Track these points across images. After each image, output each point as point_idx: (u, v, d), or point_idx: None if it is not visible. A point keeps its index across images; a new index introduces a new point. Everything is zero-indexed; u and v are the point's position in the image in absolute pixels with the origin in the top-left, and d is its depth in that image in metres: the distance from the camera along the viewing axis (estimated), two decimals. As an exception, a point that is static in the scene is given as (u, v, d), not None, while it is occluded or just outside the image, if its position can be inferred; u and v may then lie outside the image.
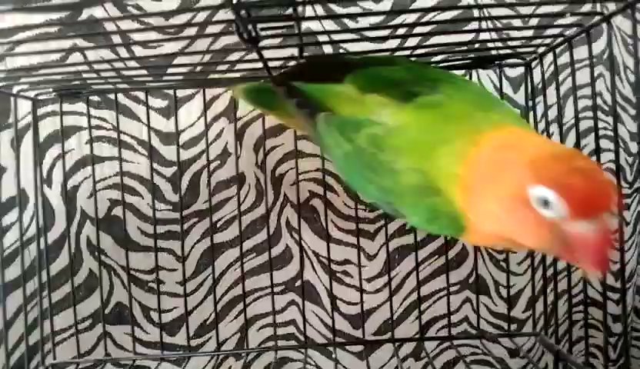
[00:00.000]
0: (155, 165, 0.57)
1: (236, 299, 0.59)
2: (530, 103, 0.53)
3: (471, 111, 0.36)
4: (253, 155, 0.59)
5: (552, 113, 0.52)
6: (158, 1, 0.55)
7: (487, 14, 0.58)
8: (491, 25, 0.59)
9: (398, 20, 0.58)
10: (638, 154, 0.65)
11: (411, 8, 0.60)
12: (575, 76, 0.45)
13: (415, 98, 0.38)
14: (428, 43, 0.55)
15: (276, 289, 0.59)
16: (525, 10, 0.58)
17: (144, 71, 0.51)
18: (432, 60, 0.51)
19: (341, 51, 0.58)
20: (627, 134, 0.64)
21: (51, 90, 0.52)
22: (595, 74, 0.44)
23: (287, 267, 0.60)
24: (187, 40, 0.55)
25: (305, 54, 0.42)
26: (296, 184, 0.57)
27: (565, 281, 0.50)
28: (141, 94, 0.56)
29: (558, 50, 0.48)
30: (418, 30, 0.56)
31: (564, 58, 0.50)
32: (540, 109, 0.53)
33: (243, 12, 0.28)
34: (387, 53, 0.50)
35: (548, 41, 0.47)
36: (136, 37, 0.54)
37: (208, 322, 0.59)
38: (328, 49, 0.58)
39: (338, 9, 0.57)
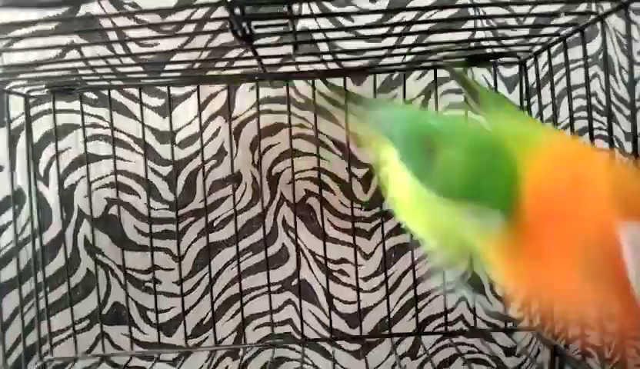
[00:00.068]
0: (151, 164, 0.57)
1: (233, 298, 0.60)
2: (525, 102, 0.54)
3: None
4: (249, 154, 0.59)
5: (547, 112, 0.52)
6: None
7: (482, 13, 0.59)
8: (486, 24, 0.59)
9: (394, 19, 0.58)
10: (632, 153, 0.65)
11: (407, 6, 0.60)
12: (569, 76, 0.46)
13: None
14: (423, 42, 0.56)
15: (272, 288, 0.59)
16: (520, 9, 0.58)
17: (139, 69, 0.52)
18: (429, 58, 0.51)
19: (336, 49, 0.58)
20: (622, 135, 0.64)
21: (43, 86, 0.52)
22: (591, 75, 0.44)
23: (283, 266, 0.60)
24: (182, 37, 0.55)
25: (300, 52, 0.42)
26: (292, 182, 0.57)
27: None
28: (137, 92, 0.56)
29: (553, 49, 0.48)
30: (413, 28, 0.56)
31: (559, 58, 0.50)
32: (534, 108, 0.53)
33: (237, 10, 0.28)
34: (383, 51, 0.50)
35: (543, 39, 0.47)
36: (132, 34, 0.54)
37: (204, 322, 0.59)
38: (323, 47, 0.58)
39: (333, 7, 0.57)
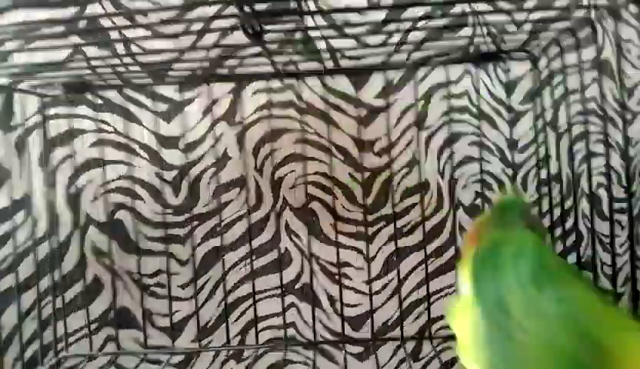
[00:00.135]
0: (155, 169, 0.58)
1: (237, 301, 0.60)
2: (539, 114, 0.54)
3: None
4: (252, 159, 0.60)
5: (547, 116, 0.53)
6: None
7: (482, 21, 0.60)
8: (485, 30, 0.60)
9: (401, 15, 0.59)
10: (630, 158, 0.66)
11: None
12: (565, 80, 0.46)
13: None
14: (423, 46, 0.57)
15: (276, 292, 0.60)
16: (518, 16, 0.59)
17: (150, 68, 0.52)
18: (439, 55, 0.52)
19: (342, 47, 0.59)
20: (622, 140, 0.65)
21: (55, 86, 0.53)
22: (591, 80, 0.45)
23: (286, 269, 0.61)
24: (192, 37, 0.56)
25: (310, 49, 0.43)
26: (304, 185, 0.57)
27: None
28: (142, 98, 0.57)
29: (552, 54, 0.49)
30: (421, 24, 0.57)
31: (558, 63, 0.51)
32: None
33: (247, 8, 0.29)
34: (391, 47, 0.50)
35: (544, 43, 0.48)
36: (139, 33, 0.55)
37: (209, 325, 0.60)
38: (340, 42, 0.59)
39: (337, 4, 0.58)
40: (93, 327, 0.58)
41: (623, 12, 0.46)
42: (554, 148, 0.57)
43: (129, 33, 0.51)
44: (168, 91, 0.58)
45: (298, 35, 0.38)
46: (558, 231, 0.58)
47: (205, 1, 0.43)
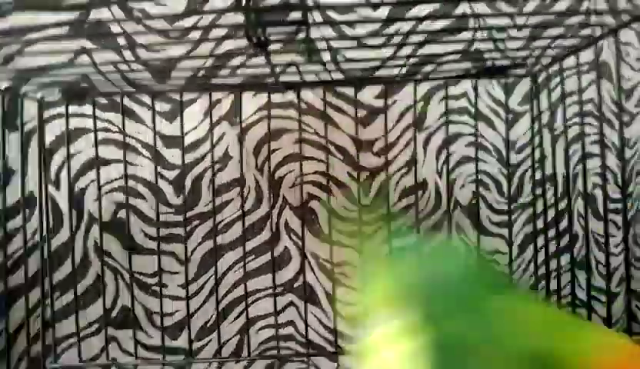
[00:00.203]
0: (158, 168, 0.58)
1: (236, 301, 0.60)
2: (536, 116, 0.55)
3: None
4: (253, 159, 0.60)
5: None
6: (163, 5, 0.57)
7: (493, 36, 0.60)
8: (495, 44, 0.61)
9: (393, 28, 0.60)
10: (626, 159, 0.66)
11: (408, 17, 0.61)
12: (563, 88, 0.47)
13: None
14: (427, 52, 0.57)
15: (275, 290, 0.60)
16: (523, 33, 0.60)
17: (149, 74, 0.53)
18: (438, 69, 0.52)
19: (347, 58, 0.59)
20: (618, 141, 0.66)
21: (57, 91, 0.53)
22: (589, 82, 0.45)
23: (286, 268, 0.61)
24: (198, 43, 0.56)
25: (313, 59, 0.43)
26: (300, 185, 0.58)
27: (554, 282, 0.52)
28: (145, 98, 0.58)
29: (551, 69, 0.49)
30: (415, 38, 0.58)
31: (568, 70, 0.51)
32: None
33: (253, 17, 0.29)
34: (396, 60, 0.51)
35: (552, 52, 0.48)
36: (142, 40, 0.55)
37: (208, 324, 0.60)
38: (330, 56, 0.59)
39: (338, 17, 0.58)
40: (94, 327, 0.59)
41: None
42: (550, 149, 0.58)
43: (131, 34, 0.51)
44: (175, 92, 0.58)
45: (302, 45, 0.38)
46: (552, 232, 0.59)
47: (213, 10, 0.43)
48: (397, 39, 0.59)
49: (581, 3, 0.60)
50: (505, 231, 0.62)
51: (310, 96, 0.59)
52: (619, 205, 0.67)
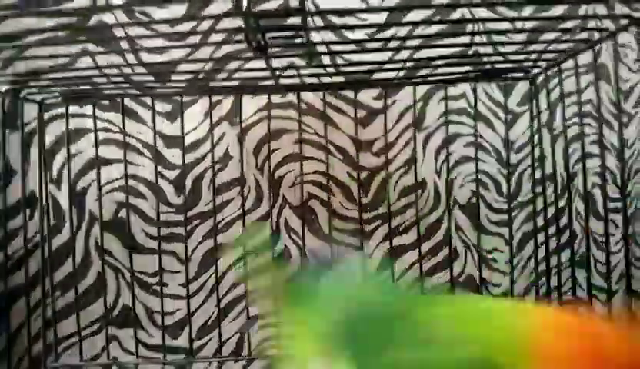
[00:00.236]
0: (158, 168, 0.59)
1: (236, 300, 0.61)
2: (535, 115, 0.55)
3: None
4: (253, 158, 0.60)
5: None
6: (164, 9, 0.57)
7: (491, 39, 0.60)
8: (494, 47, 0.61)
9: (389, 32, 0.60)
10: (627, 159, 0.67)
11: (405, 21, 0.61)
12: (562, 90, 0.47)
13: None
14: (425, 56, 0.57)
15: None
16: (521, 36, 0.60)
17: (150, 77, 0.53)
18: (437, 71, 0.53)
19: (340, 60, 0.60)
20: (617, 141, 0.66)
21: (57, 94, 0.54)
22: (587, 83, 0.45)
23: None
24: (198, 47, 0.57)
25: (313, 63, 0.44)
26: (300, 184, 0.58)
27: (555, 278, 0.52)
28: (146, 98, 0.58)
29: (550, 71, 0.49)
30: (414, 42, 0.58)
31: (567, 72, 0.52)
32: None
33: (252, 21, 0.30)
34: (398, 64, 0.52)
35: (552, 55, 0.48)
36: (142, 43, 0.56)
37: (209, 323, 0.61)
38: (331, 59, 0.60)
39: (337, 21, 0.59)
40: (96, 327, 0.59)
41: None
42: (550, 149, 0.58)
43: (132, 38, 0.51)
44: (176, 95, 0.58)
45: (302, 49, 0.38)
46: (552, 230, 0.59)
47: (212, 15, 0.43)
48: (396, 42, 0.59)
49: (579, 7, 0.61)
50: (503, 230, 0.63)
51: (310, 97, 0.60)
52: (619, 204, 0.67)
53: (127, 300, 0.59)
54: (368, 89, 0.60)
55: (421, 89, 0.61)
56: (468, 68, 0.52)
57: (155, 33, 0.55)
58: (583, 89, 0.46)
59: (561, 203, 0.62)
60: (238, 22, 0.31)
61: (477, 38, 0.60)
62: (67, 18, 0.56)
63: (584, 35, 0.43)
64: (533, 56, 0.50)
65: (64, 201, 0.58)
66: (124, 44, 0.57)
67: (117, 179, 0.59)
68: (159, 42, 0.52)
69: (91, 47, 0.56)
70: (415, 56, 0.59)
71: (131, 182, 0.59)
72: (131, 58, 0.58)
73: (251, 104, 0.60)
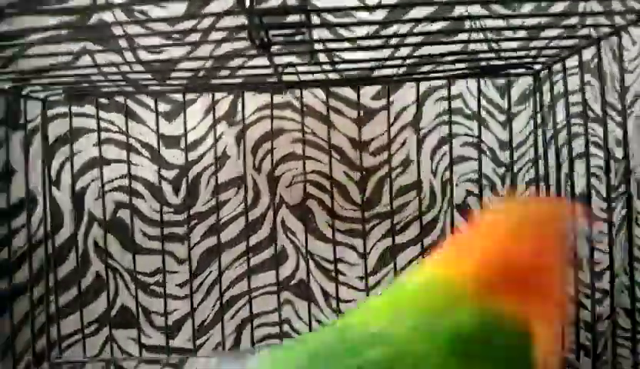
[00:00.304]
0: (156, 168, 0.59)
1: (234, 299, 0.61)
2: (538, 114, 0.55)
3: None
4: (250, 158, 0.60)
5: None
6: (163, 7, 0.57)
7: (496, 36, 0.61)
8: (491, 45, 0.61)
9: (391, 30, 0.61)
10: (623, 158, 0.67)
11: (405, 18, 0.62)
12: (566, 95, 0.48)
13: None
14: (427, 53, 0.58)
15: (272, 288, 0.60)
16: (519, 34, 0.61)
17: (152, 76, 0.53)
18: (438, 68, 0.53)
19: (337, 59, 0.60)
20: (613, 141, 0.66)
21: (60, 91, 0.53)
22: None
23: (282, 266, 0.62)
24: (200, 44, 0.57)
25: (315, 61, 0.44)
26: (303, 184, 0.58)
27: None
28: (145, 98, 0.58)
29: (548, 70, 0.50)
30: (413, 40, 0.58)
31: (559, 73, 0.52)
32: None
33: (256, 18, 0.30)
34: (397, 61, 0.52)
35: (554, 51, 0.49)
36: (143, 41, 0.56)
37: (206, 323, 0.61)
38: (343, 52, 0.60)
39: (338, 19, 0.59)
40: (93, 327, 0.59)
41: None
42: (549, 149, 0.59)
43: (133, 36, 0.52)
44: (178, 93, 0.58)
45: (303, 47, 0.39)
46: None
47: (215, 12, 0.43)
48: (396, 39, 0.59)
49: (577, 5, 0.61)
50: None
51: (309, 97, 0.60)
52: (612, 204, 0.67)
53: (125, 301, 0.59)
54: (370, 86, 0.60)
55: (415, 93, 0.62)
56: (466, 65, 0.52)
57: (154, 32, 0.55)
58: (581, 89, 0.46)
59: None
60: (241, 20, 0.31)
61: (475, 36, 0.61)
62: (68, 17, 0.56)
63: (587, 32, 0.43)
64: (531, 53, 0.50)
65: (62, 200, 0.58)
66: (123, 43, 0.57)
67: (116, 179, 0.59)
68: (160, 40, 0.52)
69: (93, 46, 0.57)
70: (416, 53, 0.60)
71: (130, 181, 0.59)
72: (130, 56, 0.58)
73: (249, 104, 0.60)
